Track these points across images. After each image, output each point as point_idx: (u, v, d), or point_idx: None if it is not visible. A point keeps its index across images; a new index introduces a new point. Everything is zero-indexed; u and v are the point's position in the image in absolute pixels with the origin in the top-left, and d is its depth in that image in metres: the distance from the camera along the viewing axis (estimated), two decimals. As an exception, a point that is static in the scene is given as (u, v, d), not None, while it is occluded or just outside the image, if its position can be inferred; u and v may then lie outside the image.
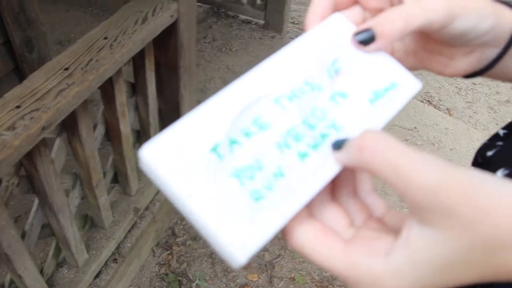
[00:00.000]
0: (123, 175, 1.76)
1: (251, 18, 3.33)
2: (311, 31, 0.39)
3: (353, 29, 0.39)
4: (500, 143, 0.53)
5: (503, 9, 0.41)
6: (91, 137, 1.41)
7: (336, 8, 0.41)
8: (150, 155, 0.30)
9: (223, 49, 3.07)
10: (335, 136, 0.35)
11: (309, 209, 0.35)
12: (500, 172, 0.47)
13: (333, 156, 0.34)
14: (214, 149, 0.32)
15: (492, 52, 0.43)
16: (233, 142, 0.33)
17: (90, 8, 3.34)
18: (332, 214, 0.36)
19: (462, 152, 2.69)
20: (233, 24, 3.33)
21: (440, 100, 3.14)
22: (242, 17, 3.37)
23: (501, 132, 0.55)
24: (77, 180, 1.53)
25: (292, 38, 3.34)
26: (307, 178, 0.33)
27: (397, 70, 0.39)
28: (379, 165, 0.29)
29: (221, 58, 2.97)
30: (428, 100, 3.11)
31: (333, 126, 0.36)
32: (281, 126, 0.34)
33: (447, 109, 3.09)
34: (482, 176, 0.28)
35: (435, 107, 3.06)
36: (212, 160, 0.31)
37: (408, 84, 0.39)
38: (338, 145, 0.34)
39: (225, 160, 0.32)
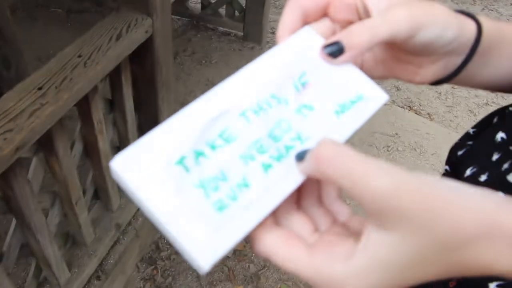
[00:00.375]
0: (104, 191, 1.75)
1: (230, 30, 3.35)
2: (280, 45, 0.40)
3: (322, 42, 0.40)
4: (470, 142, 0.55)
5: (465, 19, 0.43)
6: (69, 155, 1.41)
7: (306, 21, 0.42)
8: (119, 166, 0.32)
9: (203, 61, 3.08)
10: (300, 148, 0.36)
11: (275, 218, 0.36)
12: (469, 171, 0.49)
13: (296, 167, 0.35)
14: (180, 162, 0.33)
15: (457, 60, 0.45)
16: (199, 154, 0.34)
17: (69, 24, 3.33)
18: (297, 222, 0.37)
19: (443, 156, 2.71)
20: (212, 37, 3.34)
21: (420, 105, 3.17)
22: (221, 29, 3.38)
23: (471, 131, 0.58)
24: (56, 199, 1.52)
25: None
26: (270, 188, 0.34)
27: (364, 82, 0.41)
28: (335, 173, 0.31)
29: (201, 70, 2.98)
30: (408, 106, 3.15)
31: (298, 138, 0.37)
32: (246, 139, 0.36)
33: (428, 114, 3.12)
34: (434, 181, 0.30)
35: (416, 113, 3.10)
36: (179, 172, 0.33)
37: (375, 96, 0.40)
38: (300, 156, 0.35)
39: (191, 172, 0.33)
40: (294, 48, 0.40)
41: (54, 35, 3.16)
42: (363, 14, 0.41)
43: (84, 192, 1.64)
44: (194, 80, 2.89)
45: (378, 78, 0.44)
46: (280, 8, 3.98)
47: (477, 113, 3.20)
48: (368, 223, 0.31)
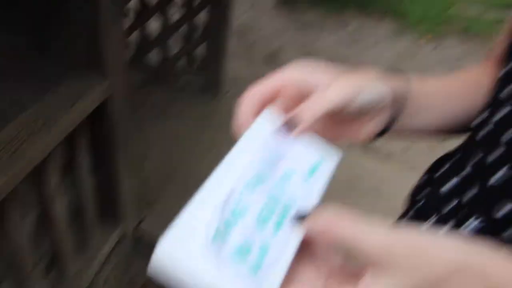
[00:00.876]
0: (60, 258, 1.69)
1: (189, 81, 3.38)
2: (249, 130, 0.48)
3: (281, 120, 0.48)
4: (426, 190, 0.64)
5: (393, 79, 0.54)
6: (22, 224, 1.36)
7: (262, 106, 0.50)
8: (167, 254, 0.35)
9: (163, 115, 3.08)
10: (294, 208, 0.44)
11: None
12: (430, 220, 0.58)
13: (297, 226, 0.42)
14: (215, 236, 0.39)
15: (391, 115, 0.56)
16: (224, 228, 0.40)
17: (28, 80, 3.29)
18: (304, 272, 0.43)
19: (402, 197, 2.76)
20: (171, 89, 3.35)
21: (377, 148, 3.24)
22: (181, 81, 3.41)
23: (425, 177, 0.67)
24: (9, 270, 1.46)
25: (232, 97, 3.38)
26: (285, 244, 0.41)
27: (321, 146, 0.50)
28: (337, 234, 0.38)
29: (162, 124, 2.97)
30: (365, 149, 3.21)
31: (290, 200, 0.45)
32: (255, 208, 0.43)
33: (385, 155, 3.19)
34: (415, 232, 0.38)
35: (373, 155, 3.16)
36: (216, 245, 0.38)
37: (332, 156, 0.50)
38: (299, 217, 0.42)
39: (225, 243, 0.39)
40: (262, 130, 0.48)
41: (14, 91, 3.12)
42: (310, 91, 0.49)
43: (38, 261, 1.58)
44: (155, 134, 2.88)
45: (328, 143, 0.52)
46: (240, 56, 4.05)
47: (432, 152, 3.27)
48: (367, 269, 0.38)
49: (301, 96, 0.50)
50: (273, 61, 4.17)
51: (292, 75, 0.50)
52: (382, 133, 0.57)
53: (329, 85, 0.48)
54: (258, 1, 5.56)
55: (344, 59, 4.42)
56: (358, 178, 2.88)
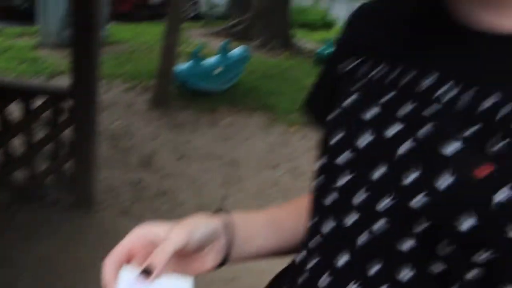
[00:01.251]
0: None
1: (58, 198, 3.29)
2: (116, 284, 0.58)
3: (138, 271, 0.57)
4: None
5: (217, 215, 0.65)
6: None
7: (121, 264, 0.59)
8: None
9: (31, 237, 2.93)
10: None
11: None
12: None
13: None
14: None
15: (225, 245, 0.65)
16: None
17: None
18: None
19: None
20: (40, 208, 3.22)
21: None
22: (49, 198, 3.30)
23: None
24: None
25: (107, 208, 3.33)
26: None
27: (176, 279, 0.59)
28: None
29: (30, 248, 2.81)
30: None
31: None
32: None
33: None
34: None
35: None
36: None
37: (186, 283, 0.59)
38: None
39: None
40: (124, 282, 0.57)
41: None
42: (157, 242, 0.59)
43: None
44: (23, 260, 2.70)
45: (187, 274, 0.62)
46: (114, 163, 4.04)
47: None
48: None
49: (151, 248, 0.60)
50: (148, 165, 4.23)
51: (138, 235, 0.60)
52: (225, 260, 0.65)
53: (169, 233, 0.58)
54: (131, 105, 5.69)
55: (218, 156, 4.61)
56: (238, 277, 2.93)
